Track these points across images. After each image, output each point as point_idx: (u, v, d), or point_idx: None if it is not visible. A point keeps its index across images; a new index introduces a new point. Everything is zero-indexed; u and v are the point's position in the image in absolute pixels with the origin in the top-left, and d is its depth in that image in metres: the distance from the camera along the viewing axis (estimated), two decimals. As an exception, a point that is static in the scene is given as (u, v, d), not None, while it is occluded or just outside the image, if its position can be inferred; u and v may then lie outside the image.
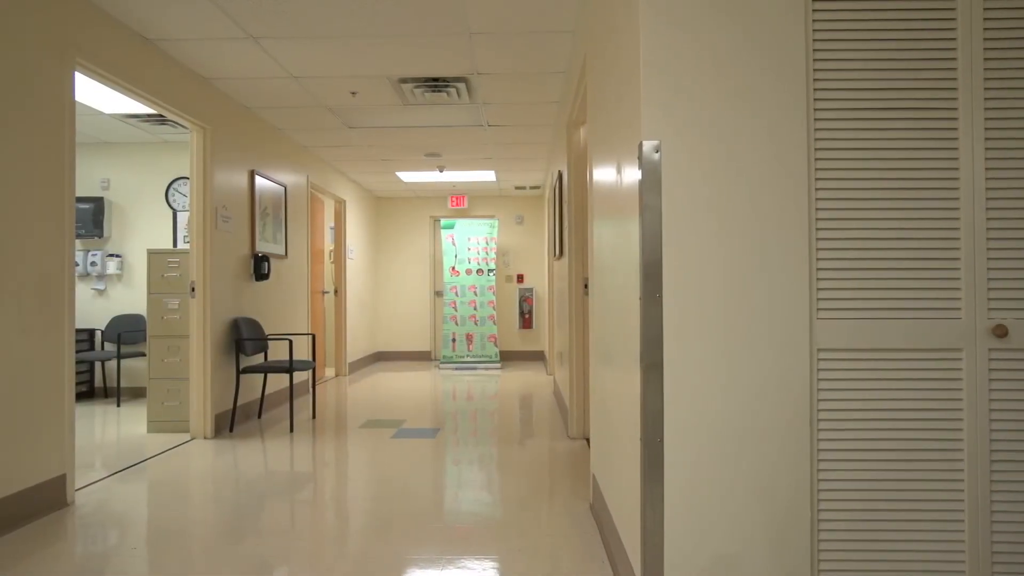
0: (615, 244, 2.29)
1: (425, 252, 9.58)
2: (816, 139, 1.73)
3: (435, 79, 4.48)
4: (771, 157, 1.73)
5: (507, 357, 9.48)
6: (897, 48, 1.73)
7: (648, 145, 1.74)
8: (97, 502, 3.09)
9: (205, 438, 4.44)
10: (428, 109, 5.16)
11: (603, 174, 2.63)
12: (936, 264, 1.73)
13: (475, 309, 8.73)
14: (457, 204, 9.37)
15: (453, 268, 8.81)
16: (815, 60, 1.73)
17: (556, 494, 3.16)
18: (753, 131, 1.73)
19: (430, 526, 2.74)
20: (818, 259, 1.73)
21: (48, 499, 2.95)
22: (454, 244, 8.85)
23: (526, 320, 9.38)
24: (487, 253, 8.85)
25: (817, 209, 1.73)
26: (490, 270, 8.83)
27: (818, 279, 1.73)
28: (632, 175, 1.92)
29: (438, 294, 9.59)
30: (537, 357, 9.48)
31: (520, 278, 9.51)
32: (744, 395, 1.73)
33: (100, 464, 3.78)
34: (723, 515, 1.72)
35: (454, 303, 8.75)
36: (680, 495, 1.72)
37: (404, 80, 4.47)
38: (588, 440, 4.28)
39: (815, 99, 1.73)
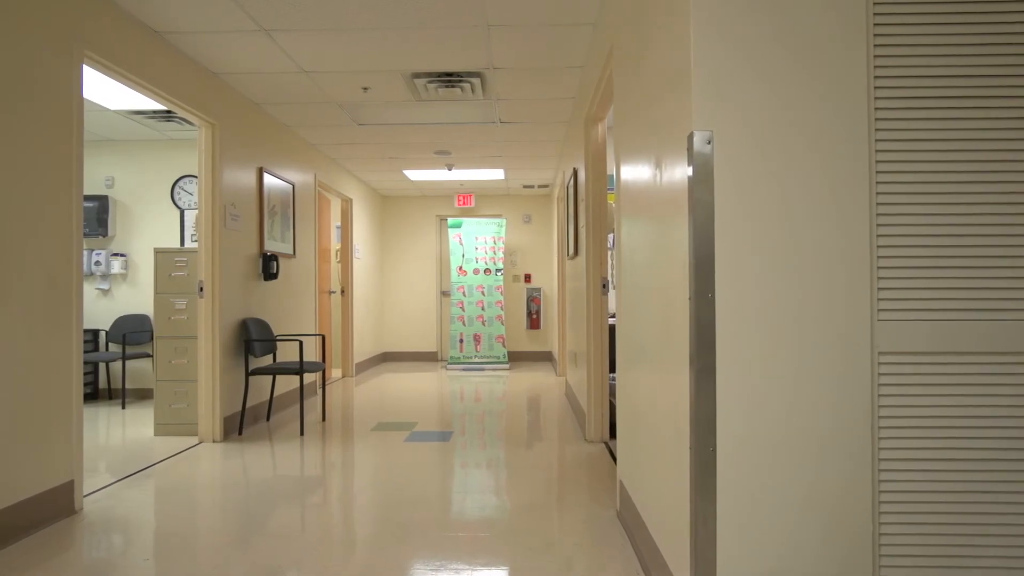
0: (653, 242, 2.19)
1: (431, 252, 9.47)
2: (877, 129, 1.63)
3: (449, 74, 4.38)
4: (829, 146, 1.62)
5: (514, 358, 9.37)
6: (967, 30, 1.62)
7: (699, 137, 1.63)
8: (106, 509, 2.99)
9: (214, 441, 4.34)
10: (440, 105, 5.05)
11: (634, 171, 2.53)
12: (1010, 261, 1.62)
13: (483, 309, 8.63)
14: (464, 203, 9.27)
15: (460, 268, 8.71)
16: (875, 46, 1.63)
17: (580, 500, 3.06)
18: (810, 119, 1.63)
19: (451, 534, 2.64)
20: (879, 257, 1.63)
21: (56, 506, 2.84)
22: (461, 243, 8.75)
23: (534, 320, 9.28)
24: (495, 252, 8.74)
25: (878, 204, 1.63)
26: (498, 270, 8.73)
27: (879, 278, 1.63)
28: (677, 170, 1.82)
29: (444, 294, 9.48)
30: (545, 358, 9.38)
31: (528, 278, 9.41)
32: (800, 401, 1.62)
33: (108, 469, 3.68)
34: (779, 529, 1.62)
35: (461, 303, 8.64)
36: (733, 508, 1.62)
37: (418, 75, 4.37)
38: (607, 444, 4.18)
39: (875, 87, 1.63)
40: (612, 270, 5.08)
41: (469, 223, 8.80)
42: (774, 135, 1.63)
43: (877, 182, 1.63)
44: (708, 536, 1.62)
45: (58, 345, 2.89)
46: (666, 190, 1.98)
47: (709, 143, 1.64)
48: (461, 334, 8.58)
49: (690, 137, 1.65)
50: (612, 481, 3.36)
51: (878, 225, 1.63)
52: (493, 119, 5.44)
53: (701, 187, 1.64)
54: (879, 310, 1.63)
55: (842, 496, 1.62)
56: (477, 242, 8.75)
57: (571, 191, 5.21)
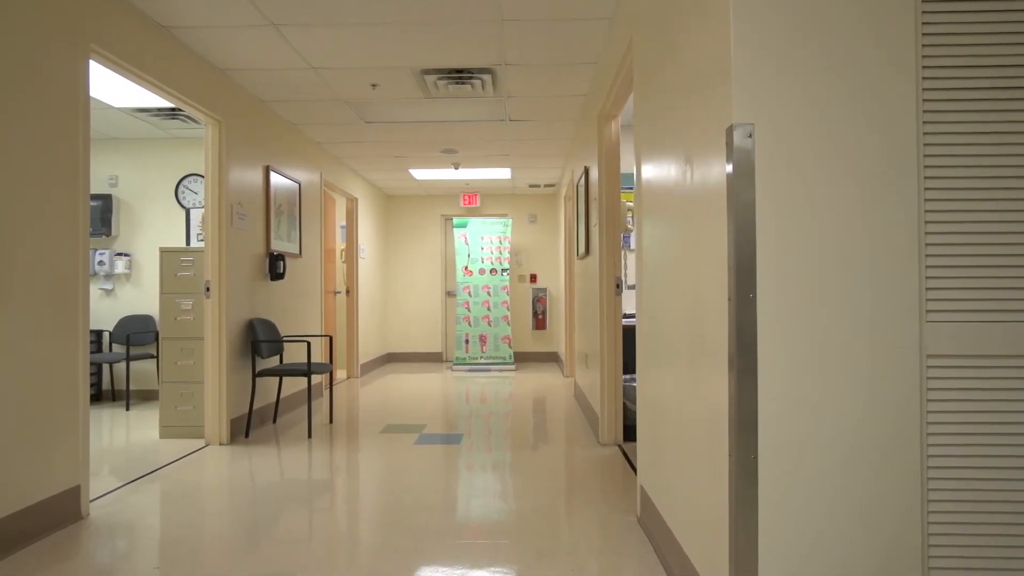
0: (681, 242, 2.11)
1: (436, 251, 9.40)
2: (925, 121, 1.55)
3: (460, 70, 4.31)
4: (875, 139, 1.55)
5: (520, 358, 9.30)
6: (1020, 17, 1.55)
7: (740, 130, 1.56)
8: (113, 515, 2.92)
9: (221, 444, 4.26)
10: (449, 103, 4.98)
11: (659, 168, 2.45)
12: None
13: (488, 310, 8.55)
14: (469, 203, 9.20)
15: (466, 268, 8.64)
16: (924, 35, 1.55)
17: (598, 506, 2.98)
18: (855, 110, 1.55)
19: (468, 541, 2.57)
20: (927, 255, 1.56)
21: (62, 512, 2.77)
22: (467, 243, 8.67)
23: (539, 321, 9.21)
24: (501, 252, 8.67)
25: (926, 200, 1.56)
26: (504, 270, 8.66)
27: (927, 277, 1.56)
28: (713, 166, 1.75)
29: (449, 294, 9.41)
30: (551, 358, 9.31)
31: (533, 278, 9.34)
32: (846, 406, 1.55)
33: (113, 472, 3.61)
34: (824, 539, 1.55)
35: (467, 303, 8.57)
36: (775, 518, 1.55)
37: (428, 71, 4.30)
38: (620, 447, 4.11)
39: (924, 76, 1.55)
40: (625, 270, 5.02)
41: (475, 223, 8.73)
42: (818, 128, 1.56)
43: (925, 176, 1.56)
44: (749, 546, 1.55)
45: (64, 346, 2.82)
46: (698, 187, 1.91)
47: (750, 136, 1.56)
48: (467, 334, 8.51)
49: (729, 131, 1.58)
50: (629, 485, 3.29)
51: (926, 222, 1.56)
52: (502, 117, 5.37)
53: (741, 183, 1.57)
54: (927, 310, 1.56)
55: (889, 505, 1.54)
56: (483, 242, 8.68)
57: (582, 190, 5.14)
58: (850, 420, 1.55)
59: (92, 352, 5.86)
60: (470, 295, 8.58)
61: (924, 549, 1.54)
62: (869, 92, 1.55)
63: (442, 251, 9.43)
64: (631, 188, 5.71)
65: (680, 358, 2.13)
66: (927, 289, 1.56)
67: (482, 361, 8.48)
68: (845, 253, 1.56)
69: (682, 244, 2.10)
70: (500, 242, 8.69)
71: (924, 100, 1.55)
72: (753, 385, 1.56)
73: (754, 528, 1.55)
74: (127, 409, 5.58)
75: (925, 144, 1.56)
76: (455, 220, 8.78)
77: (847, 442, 1.55)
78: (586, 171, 4.89)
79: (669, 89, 2.24)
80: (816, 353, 1.55)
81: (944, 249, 1.56)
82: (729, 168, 1.59)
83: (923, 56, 1.55)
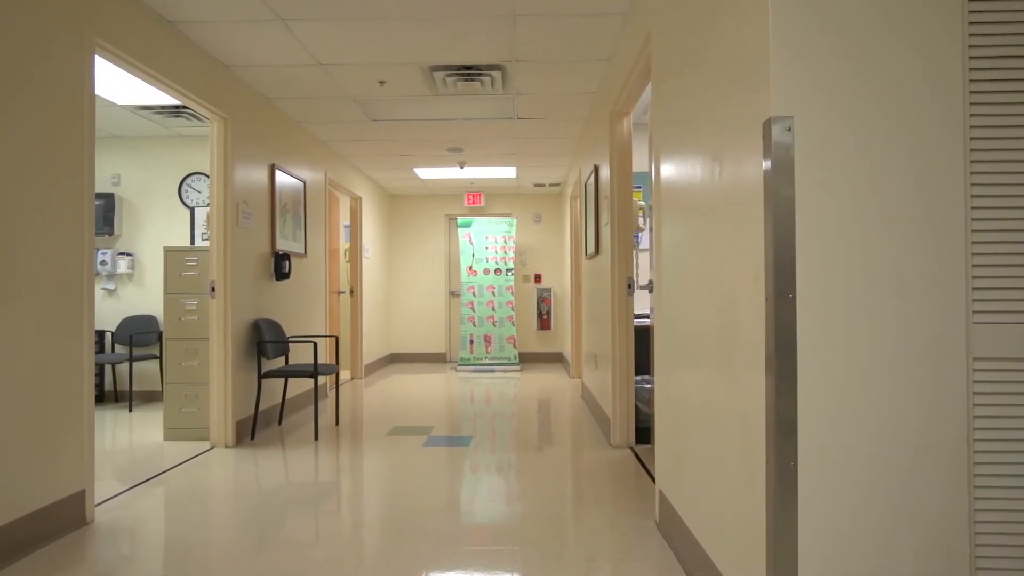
0: (707, 241, 2.05)
1: (440, 251, 9.34)
2: (972, 115, 1.49)
3: (469, 67, 4.24)
4: (920, 134, 1.49)
5: (524, 359, 9.24)
6: (1073, 9, 1.49)
7: (778, 124, 1.50)
8: (118, 520, 2.85)
9: (226, 446, 4.20)
10: (457, 100, 4.92)
11: (680, 166, 2.39)
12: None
13: (493, 310, 8.49)
14: (473, 202, 9.13)
15: (470, 268, 8.57)
16: (970, 24, 1.49)
17: (614, 510, 2.92)
18: (899, 103, 1.49)
19: (482, 548, 2.50)
20: (974, 254, 1.49)
21: (66, 518, 2.70)
22: (471, 243, 8.61)
23: (544, 321, 9.14)
24: (505, 252, 8.61)
25: (973, 196, 1.50)
26: (508, 270, 8.59)
27: (973, 277, 1.49)
28: (746, 162, 1.68)
29: (453, 294, 9.34)
30: (556, 359, 9.25)
31: (538, 278, 9.28)
32: (890, 410, 1.49)
33: (118, 476, 3.54)
34: (867, 549, 1.48)
35: (471, 303, 8.50)
36: (816, 528, 1.48)
37: (436, 68, 4.23)
38: (633, 450, 4.05)
39: (970, 68, 1.49)
40: (637, 269, 4.95)
41: (479, 222, 8.67)
42: (860, 121, 1.50)
43: (972, 172, 1.50)
44: (788, 557, 1.49)
45: (69, 347, 2.76)
46: (728, 185, 1.84)
47: (789, 130, 1.50)
48: (471, 335, 8.44)
49: (767, 124, 1.52)
50: (644, 489, 3.22)
51: (973, 220, 1.50)
52: (510, 115, 5.31)
53: (780, 179, 1.50)
54: (974, 312, 1.49)
55: (936, 513, 1.48)
56: (487, 241, 8.62)
57: (591, 189, 5.08)
58: (895, 425, 1.49)
59: (95, 353, 5.79)
60: (475, 295, 8.51)
61: (972, 560, 1.48)
62: (913, 85, 1.49)
63: (446, 251, 9.36)
64: (639, 187, 5.65)
65: (707, 360, 2.07)
66: (974, 290, 1.50)
67: (487, 362, 8.41)
68: (888, 252, 1.49)
69: (709, 243, 2.04)
70: (505, 242, 8.62)
71: (971, 92, 1.49)
72: (793, 388, 1.49)
73: (793, 537, 1.48)
74: (130, 410, 5.52)
75: (971, 138, 1.49)
76: (459, 220, 8.71)
77: (891, 448, 1.49)
78: (596, 169, 4.83)
79: (694, 83, 2.17)
80: (858, 355, 1.49)
81: (991, 248, 1.49)
82: (767, 164, 1.52)
83: (969, 47, 1.49)
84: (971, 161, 1.49)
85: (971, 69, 1.49)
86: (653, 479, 3.39)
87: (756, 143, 1.60)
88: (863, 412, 1.49)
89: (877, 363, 1.49)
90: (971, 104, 1.49)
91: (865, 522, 1.48)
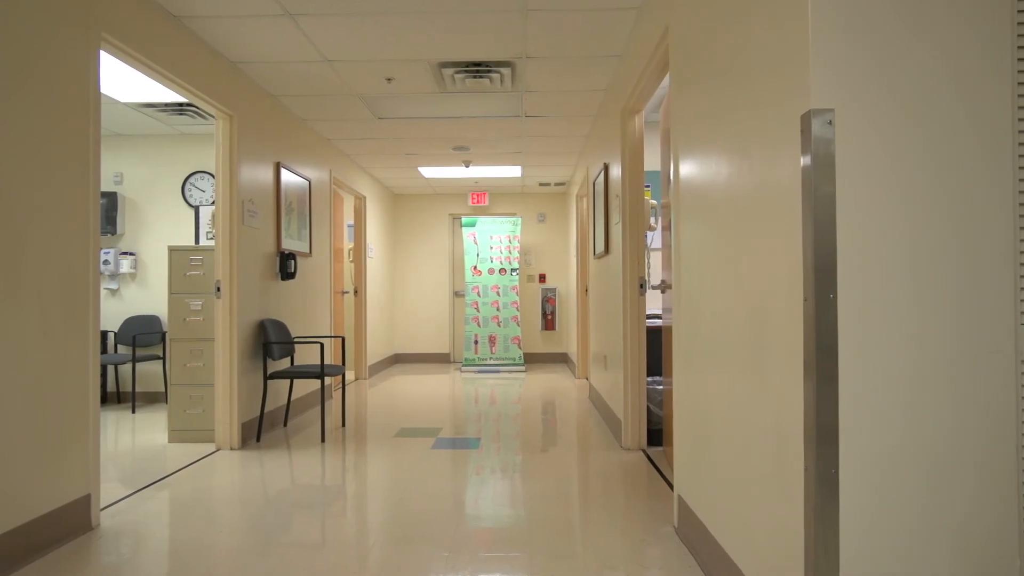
0: (734, 240, 1.98)
1: (444, 251, 9.27)
2: (1021, 107, 1.43)
3: (478, 64, 4.18)
4: (967, 128, 1.43)
5: (529, 359, 9.18)
6: None
7: (819, 118, 1.43)
8: (123, 524, 2.79)
9: (232, 449, 4.14)
10: (465, 98, 4.85)
11: (702, 163, 2.33)
12: None
13: (498, 310, 8.42)
14: (478, 201, 9.07)
15: (475, 267, 8.51)
16: (1019, 11, 1.43)
17: (631, 515, 2.86)
18: (943, 96, 1.43)
19: (498, 554, 2.44)
20: (1022, 252, 1.43)
21: (72, 523, 2.64)
22: (476, 243, 8.54)
23: (548, 321, 9.08)
24: (510, 252, 8.54)
25: (1022, 192, 1.43)
26: (513, 270, 8.53)
27: (1022, 276, 1.43)
28: (780, 158, 1.62)
29: (458, 294, 9.28)
30: (560, 359, 9.18)
31: (542, 278, 9.21)
32: (935, 415, 1.43)
33: (123, 479, 3.48)
34: (912, 560, 1.42)
35: (476, 303, 8.44)
36: (859, 539, 1.42)
37: (445, 64, 4.17)
38: (645, 452, 3.98)
39: (1020, 58, 1.43)
40: (648, 269, 4.89)
41: (484, 222, 8.60)
42: (904, 115, 1.43)
43: (1021, 167, 1.43)
44: (829, 566, 1.42)
45: (74, 348, 2.69)
46: (759, 181, 1.78)
47: (830, 124, 1.44)
48: (476, 335, 8.38)
49: (805, 118, 1.46)
50: (658, 492, 3.16)
51: (1021, 216, 1.44)
52: (518, 113, 5.25)
53: (820, 175, 1.44)
54: (1023, 313, 1.43)
55: (984, 522, 1.42)
56: (492, 241, 8.55)
57: (600, 187, 5.01)
58: (940, 431, 1.42)
59: (97, 353, 5.73)
60: (479, 295, 8.45)
61: (1023, 571, 1.42)
62: (960, 79, 1.43)
63: (450, 251, 9.30)
64: (648, 186, 5.58)
65: (733, 362, 2.00)
66: (1022, 290, 1.43)
67: (491, 362, 8.35)
68: (933, 251, 1.43)
69: (736, 242, 1.97)
70: (510, 241, 8.56)
71: (1020, 84, 1.43)
72: (834, 393, 1.43)
73: (835, 547, 1.42)
74: (133, 412, 5.45)
75: (1021, 131, 1.43)
76: (464, 219, 8.64)
77: (937, 455, 1.42)
78: (605, 167, 4.77)
79: (719, 76, 2.11)
80: (902, 358, 1.43)
81: (1041, 246, 1.43)
82: (805, 160, 1.46)
83: (1019, 36, 1.43)
84: (1021, 155, 1.43)
85: (1021, 59, 1.43)
86: (668, 482, 3.32)
87: (791, 138, 1.54)
88: (907, 417, 1.43)
89: (922, 366, 1.43)
90: (1020, 97, 1.43)
91: (911, 530, 1.42)
